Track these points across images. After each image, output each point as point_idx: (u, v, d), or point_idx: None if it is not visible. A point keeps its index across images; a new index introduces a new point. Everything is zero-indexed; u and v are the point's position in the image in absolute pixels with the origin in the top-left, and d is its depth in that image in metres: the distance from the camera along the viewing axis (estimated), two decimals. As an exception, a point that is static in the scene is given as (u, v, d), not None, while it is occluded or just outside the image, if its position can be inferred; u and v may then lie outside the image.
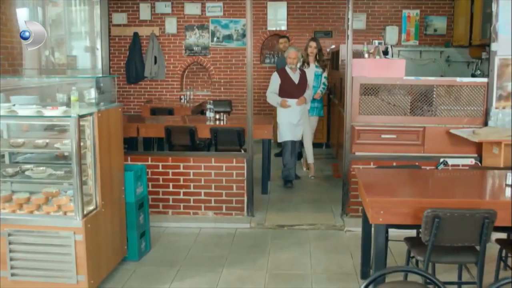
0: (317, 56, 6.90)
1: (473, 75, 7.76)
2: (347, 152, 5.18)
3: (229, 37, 9.20)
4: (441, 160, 5.02)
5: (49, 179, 3.86)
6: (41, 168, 3.91)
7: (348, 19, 5.04)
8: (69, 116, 3.50)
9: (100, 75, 4.81)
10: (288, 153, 6.40)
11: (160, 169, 5.29)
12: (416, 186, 3.68)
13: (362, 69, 5.17)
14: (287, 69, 6.37)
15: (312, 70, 6.79)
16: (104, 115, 3.84)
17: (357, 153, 5.20)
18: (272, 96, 6.37)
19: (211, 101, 6.76)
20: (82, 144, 3.70)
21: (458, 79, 5.16)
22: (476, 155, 5.08)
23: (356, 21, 9.11)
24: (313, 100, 6.85)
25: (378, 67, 5.20)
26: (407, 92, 5.23)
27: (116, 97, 4.33)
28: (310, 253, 4.49)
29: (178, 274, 4.07)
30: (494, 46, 5.00)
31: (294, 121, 6.34)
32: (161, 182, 5.30)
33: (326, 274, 4.08)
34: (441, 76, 8.24)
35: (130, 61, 9.29)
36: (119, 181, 4.15)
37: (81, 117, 3.55)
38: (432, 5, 9.14)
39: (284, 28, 9.26)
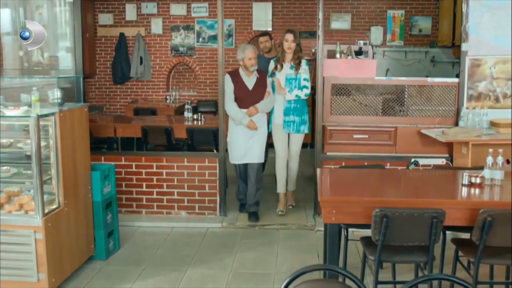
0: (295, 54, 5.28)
1: (457, 76, 7.74)
2: (318, 152, 5.20)
3: (214, 38, 9.17)
4: (412, 160, 5.05)
5: (13, 178, 3.91)
6: (5, 167, 3.94)
7: (319, 19, 5.07)
8: (29, 116, 3.53)
9: (64, 76, 4.85)
10: (238, 179, 5.43)
11: (134, 169, 5.32)
12: (372, 186, 3.69)
13: (334, 69, 5.19)
14: (241, 71, 5.19)
15: (283, 73, 5.25)
16: (67, 115, 3.86)
17: (328, 153, 5.22)
18: (230, 106, 5.11)
19: (189, 101, 6.77)
20: (45, 143, 3.73)
21: (429, 79, 5.20)
22: (447, 155, 5.10)
23: (341, 22, 9.12)
24: (288, 111, 5.23)
25: (349, 67, 5.21)
26: (379, 92, 5.25)
27: (82, 97, 4.35)
28: (277, 253, 4.51)
29: (142, 273, 4.09)
30: (464, 47, 5.04)
31: (244, 139, 5.13)
32: (134, 182, 5.34)
33: (289, 273, 4.03)
34: (426, 76, 8.23)
35: (116, 61, 9.30)
36: (85, 181, 4.18)
37: (41, 117, 3.58)
38: (417, 6, 9.12)
39: (269, 28, 9.26)
